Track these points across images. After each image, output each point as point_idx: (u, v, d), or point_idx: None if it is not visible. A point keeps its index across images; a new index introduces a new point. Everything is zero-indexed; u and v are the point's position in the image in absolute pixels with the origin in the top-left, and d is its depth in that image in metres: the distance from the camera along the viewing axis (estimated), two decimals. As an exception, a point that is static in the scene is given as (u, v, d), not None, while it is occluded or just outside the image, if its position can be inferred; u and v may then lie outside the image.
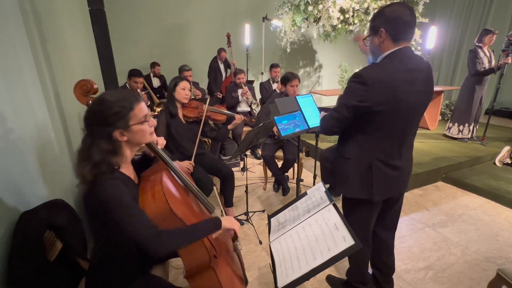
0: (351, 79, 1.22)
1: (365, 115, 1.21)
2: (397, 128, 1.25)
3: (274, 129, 2.36)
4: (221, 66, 4.81)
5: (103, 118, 0.92)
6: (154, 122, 1.04)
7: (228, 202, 2.42)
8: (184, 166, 1.87)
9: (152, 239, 0.89)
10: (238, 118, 2.26)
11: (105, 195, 0.88)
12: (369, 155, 1.29)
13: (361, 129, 1.28)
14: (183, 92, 2.16)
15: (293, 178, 3.33)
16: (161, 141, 1.20)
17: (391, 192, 1.37)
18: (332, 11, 3.95)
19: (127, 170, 1.04)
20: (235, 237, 1.18)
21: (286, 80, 2.69)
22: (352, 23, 4.09)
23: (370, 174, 1.30)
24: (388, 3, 3.77)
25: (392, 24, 1.17)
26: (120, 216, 0.88)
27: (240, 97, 3.91)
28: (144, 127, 0.98)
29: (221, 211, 1.56)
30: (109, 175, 0.92)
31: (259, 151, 4.08)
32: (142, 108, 0.98)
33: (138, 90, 3.36)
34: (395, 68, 1.18)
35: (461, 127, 4.11)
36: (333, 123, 1.30)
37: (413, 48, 4.82)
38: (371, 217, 1.43)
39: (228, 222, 1.10)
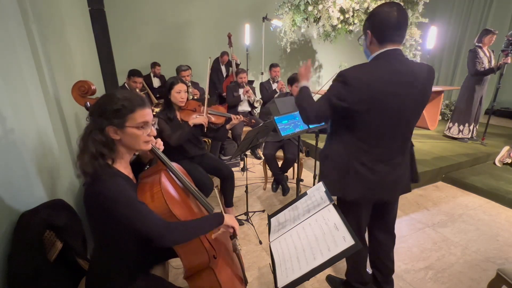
0: (334, 78, 1.23)
1: (347, 114, 1.21)
2: (382, 131, 1.23)
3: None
4: (222, 68, 4.83)
5: (103, 111, 0.94)
6: (154, 132, 1.03)
7: (228, 202, 2.41)
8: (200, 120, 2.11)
9: (162, 232, 0.93)
10: (235, 119, 2.25)
11: (108, 192, 0.88)
12: (348, 155, 1.29)
13: (345, 129, 1.29)
14: (178, 95, 2.10)
15: (293, 178, 3.33)
16: (159, 143, 1.20)
17: (372, 195, 1.33)
18: (332, 11, 3.95)
19: (125, 170, 1.04)
20: (233, 235, 1.19)
21: (293, 81, 2.70)
22: (352, 23, 4.09)
23: (347, 174, 1.30)
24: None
25: (377, 26, 1.16)
26: (126, 212, 0.89)
27: (242, 96, 3.91)
28: (139, 132, 0.97)
29: (221, 211, 1.55)
30: (108, 169, 0.93)
31: (259, 151, 4.08)
32: (144, 114, 0.97)
33: (137, 90, 3.35)
34: (380, 68, 1.17)
35: (461, 127, 4.11)
36: (317, 111, 1.25)
37: (413, 48, 4.78)
38: (360, 218, 1.42)
39: (229, 219, 1.16)
